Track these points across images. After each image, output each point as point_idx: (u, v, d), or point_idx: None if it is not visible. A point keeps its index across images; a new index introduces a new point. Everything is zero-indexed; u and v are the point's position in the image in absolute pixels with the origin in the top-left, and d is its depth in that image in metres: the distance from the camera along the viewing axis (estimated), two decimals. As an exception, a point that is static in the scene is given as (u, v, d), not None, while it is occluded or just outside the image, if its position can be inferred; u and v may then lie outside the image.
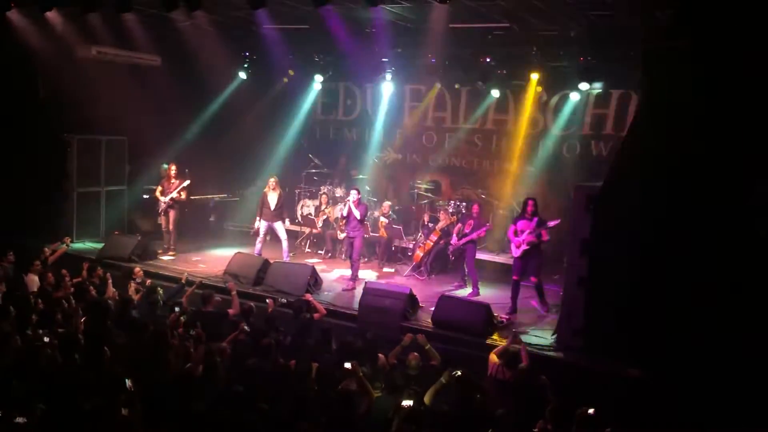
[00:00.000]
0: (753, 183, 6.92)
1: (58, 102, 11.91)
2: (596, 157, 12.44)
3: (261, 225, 11.67)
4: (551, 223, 9.49)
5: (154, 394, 5.47)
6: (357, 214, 10.56)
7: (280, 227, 11.73)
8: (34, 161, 11.88)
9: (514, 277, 9.65)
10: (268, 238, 11.99)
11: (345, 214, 10.92)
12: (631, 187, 7.43)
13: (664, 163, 7.13)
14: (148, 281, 9.38)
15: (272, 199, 11.60)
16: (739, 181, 6.91)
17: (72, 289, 8.48)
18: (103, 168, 13.07)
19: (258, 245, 11.67)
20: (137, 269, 9.81)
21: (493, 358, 7.02)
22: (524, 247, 9.43)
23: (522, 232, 9.47)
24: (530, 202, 9.57)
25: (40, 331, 6.54)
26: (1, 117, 11.32)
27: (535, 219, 9.43)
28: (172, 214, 12.20)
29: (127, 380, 5.13)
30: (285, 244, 11.75)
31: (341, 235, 11.85)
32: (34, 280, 9.08)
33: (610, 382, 7.32)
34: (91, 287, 8.67)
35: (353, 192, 10.84)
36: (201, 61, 12.92)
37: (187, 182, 12.24)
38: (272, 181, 11.71)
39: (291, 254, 11.91)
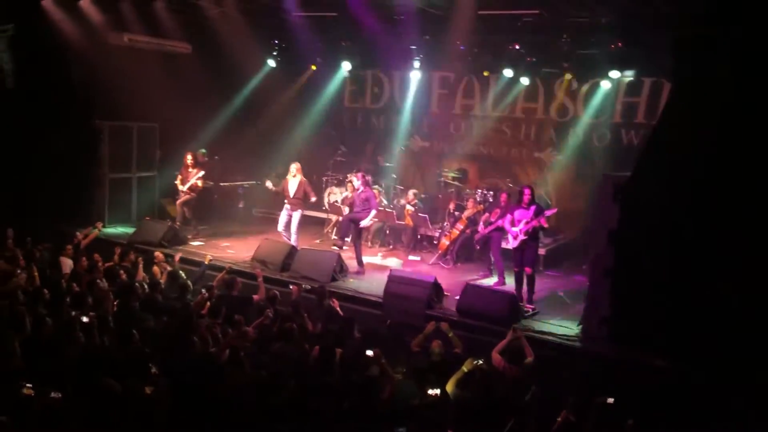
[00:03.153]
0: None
1: (91, 89, 12.11)
2: (626, 146, 12.27)
3: (283, 213, 11.47)
4: (548, 212, 9.38)
5: (179, 376, 5.57)
6: (367, 222, 10.67)
7: (296, 218, 11.34)
8: (67, 148, 12.10)
9: (515, 269, 9.54)
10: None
11: (340, 201, 10.92)
12: (660, 176, 7.32)
13: (695, 153, 7.01)
14: (167, 267, 9.52)
15: (292, 185, 11.32)
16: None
17: (103, 273, 8.66)
18: (134, 154, 13.29)
19: (284, 233, 11.37)
20: (157, 253, 9.96)
21: (496, 356, 6.94)
22: (522, 237, 9.27)
23: (519, 221, 9.35)
24: (526, 191, 9.36)
25: (73, 313, 6.70)
26: (36, 104, 11.54)
27: (533, 208, 9.25)
28: (191, 202, 12.37)
29: (151, 366, 5.24)
30: (294, 237, 11.36)
31: (366, 221, 10.97)
32: (67, 264, 9.29)
33: (636, 373, 7.26)
34: (122, 271, 8.86)
35: (354, 178, 10.92)
36: (230, 49, 13.01)
37: (202, 173, 12.39)
38: (294, 167, 11.40)
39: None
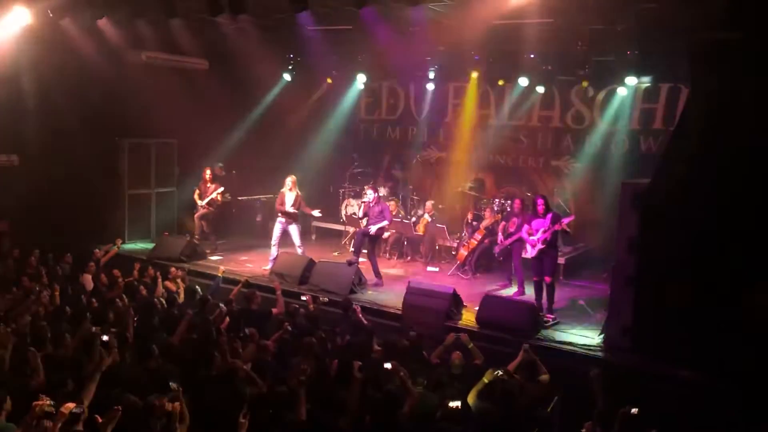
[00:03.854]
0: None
1: (110, 107, 12.24)
2: (644, 153, 12.19)
3: (276, 226, 11.41)
4: (566, 220, 9.36)
5: (200, 392, 5.58)
6: (372, 230, 10.67)
7: (294, 231, 11.39)
8: (87, 166, 12.25)
9: (535, 278, 9.49)
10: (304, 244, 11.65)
11: (361, 215, 10.96)
12: (679, 183, 7.24)
13: (713, 158, 6.93)
14: (180, 282, 9.58)
15: (289, 199, 11.27)
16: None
17: (123, 289, 8.73)
18: (153, 170, 13.43)
19: (273, 249, 11.35)
20: (173, 269, 10.02)
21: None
22: (540, 246, 9.24)
23: (537, 231, 9.30)
24: (540, 201, 9.40)
25: (94, 329, 6.75)
26: (56, 122, 11.70)
27: (549, 216, 9.25)
28: (209, 216, 12.44)
29: (171, 382, 5.25)
30: (300, 251, 11.39)
31: (373, 228, 10.87)
32: (89, 281, 9.39)
33: (659, 383, 7.16)
34: (142, 287, 8.93)
35: (370, 191, 10.90)
36: (247, 64, 13.10)
37: (221, 189, 12.48)
38: (289, 180, 11.37)
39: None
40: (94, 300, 8.15)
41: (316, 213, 11.64)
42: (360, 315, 8.26)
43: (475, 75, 13.26)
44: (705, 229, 7.09)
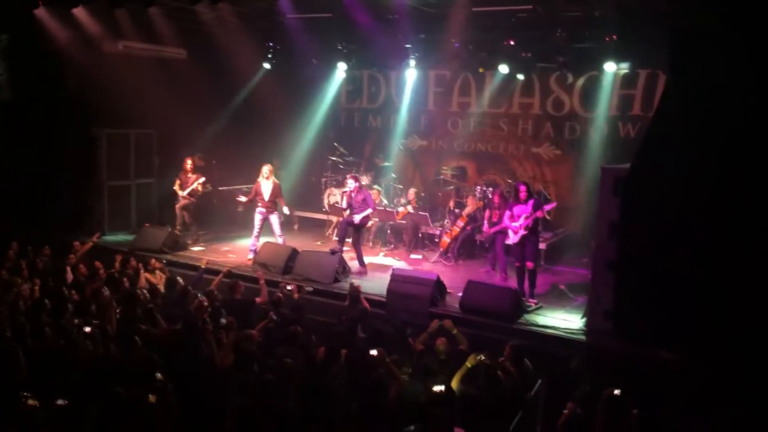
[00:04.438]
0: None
1: (87, 97, 12.09)
2: (624, 139, 12.30)
3: (256, 216, 11.34)
4: (548, 207, 9.45)
5: (185, 382, 5.58)
6: (357, 219, 10.67)
7: (274, 221, 11.30)
8: (64, 156, 12.11)
9: (517, 264, 9.58)
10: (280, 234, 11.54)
11: (344, 206, 10.97)
12: (659, 168, 7.32)
13: (692, 143, 7.01)
14: (160, 274, 9.53)
15: (266, 188, 11.24)
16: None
17: (105, 281, 8.66)
18: (132, 161, 13.28)
19: (253, 239, 11.30)
20: (152, 260, 9.96)
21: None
22: (522, 232, 9.32)
23: (518, 217, 9.39)
24: (522, 187, 9.46)
25: (76, 321, 6.70)
26: (32, 113, 11.54)
27: (531, 202, 9.33)
28: (190, 207, 12.38)
29: (157, 373, 5.24)
30: (280, 240, 11.38)
31: (357, 218, 10.79)
32: (69, 273, 9.29)
33: (640, 366, 7.27)
34: (125, 279, 8.86)
35: (350, 181, 10.90)
36: (226, 53, 12.98)
37: (202, 179, 12.39)
38: (266, 169, 11.29)
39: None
40: (74, 292, 8.07)
41: (285, 210, 11.56)
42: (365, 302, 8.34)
43: (456, 63, 13.26)
44: (685, 212, 7.18)
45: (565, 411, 5.63)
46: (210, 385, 5.62)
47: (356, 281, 10.02)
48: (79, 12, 11.22)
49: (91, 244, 10.41)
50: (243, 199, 11.47)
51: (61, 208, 12.01)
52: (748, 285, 6.83)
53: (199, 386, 5.61)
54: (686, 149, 7.11)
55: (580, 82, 12.74)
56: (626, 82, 12.26)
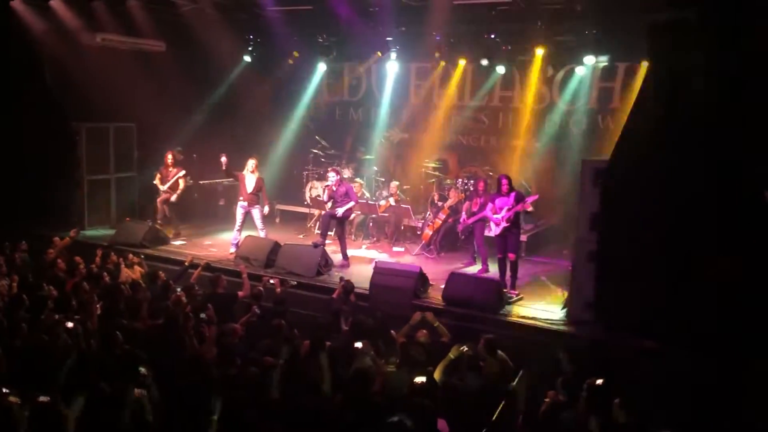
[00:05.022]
0: (761, 155, 6.89)
1: (65, 91, 11.94)
2: (603, 131, 12.40)
3: (238, 209, 11.31)
4: (530, 199, 9.51)
5: (168, 376, 5.56)
6: (340, 212, 10.68)
7: (256, 214, 11.29)
8: (43, 150, 11.96)
9: (499, 255, 9.65)
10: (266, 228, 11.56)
11: (325, 199, 10.98)
12: (638, 160, 7.42)
13: (669, 135, 7.11)
14: (138, 268, 9.47)
15: (250, 181, 11.23)
16: (745, 152, 6.89)
17: (85, 276, 8.59)
18: (112, 155, 13.13)
19: (235, 233, 11.28)
20: (130, 255, 9.88)
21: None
22: (504, 224, 9.38)
23: (500, 209, 9.45)
24: (504, 180, 9.52)
25: (56, 317, 6.64)
26: (10, 107, 11.38)
27: (513, 194, 9.40)
28: (171, 201, 12.30)
29: (141, 368, 5.22)
30: (262, 234, 11.36)
31: (340, 211, 10.80)
32: (48, 268, 9.18)
33: (621, 355, 7.38)
34: (105, 273, 8.79)
35: (332, 174, 10.89)
36: (206, 46, 12.91)
37: (183, 172, 12.31)
38: (251, 163, 11.30)
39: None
40: (51, 288, 7.97)
41: (265, 209, 11.53)
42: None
43: (436, 55, 13.30)
44: (663, 203, 7.29)
45: (547, 399, 5.71)
46: (193, 380, 5.60)
47: (339, 274, 10.06)
48: (57, 4, 11.09)
49: (68, 239, 10.30)
50: (224, 159, 11.23)
51: (39, 203, 11.87)
52: (726, 273, 6.94)
53: (182, 380, 5.59)
54: (664, 140, 7.21)
55: (560, 75, 12.81)
56: (605, 75, 12.35)
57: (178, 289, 8.00)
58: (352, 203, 10.85)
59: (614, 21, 10.48)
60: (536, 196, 9.80)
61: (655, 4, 8.23)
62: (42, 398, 4.68)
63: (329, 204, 10.99)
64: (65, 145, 12.47)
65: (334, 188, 10.82)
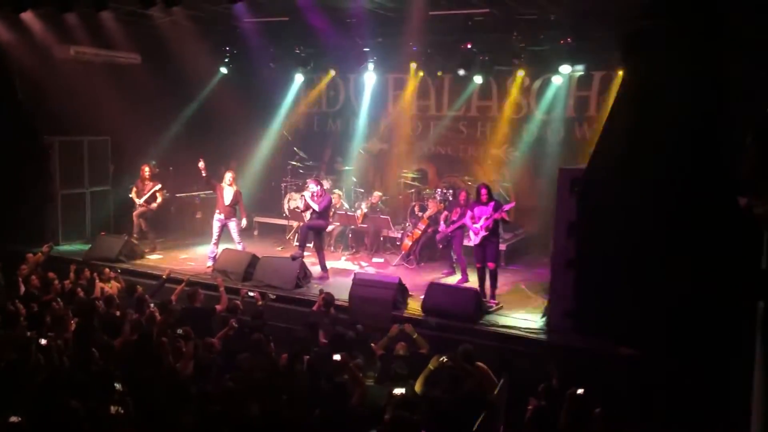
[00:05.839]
0: (736, 159, 6.95)
1: (37, 104, 11.78)
2: (580, 140, 12.50)
3: (215, 222, 11.20)
4: (507, 207, 9.55)
5: (144, 392, 5.46)
6: (315, 207, 10.59)
7: (233, 228, 11.21)
8: (15, 165, 11.78)
9: (478, 265, 9.64)
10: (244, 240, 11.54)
11: (302, 207, 10.90)
12: (613, 168, 7.46)
13: (646, 143, 7.16)
14: (114, 283, 9.34)
15: (228, 194, 11.13)
16: (720, 160, 6.95)
17: (59, 292, 8.44)
18: (86, 169, 12.96)
19: (212, 246, 11.18)
20: (106, 270, 9.73)
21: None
22: (483, 233, 9.39)
23: (479, 218, 9.47)
24: (483, 190, 9.54)
25: (28, 334, 6.50)
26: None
27: (492, 203, 9.41)
28: (148, 215, 12.17)
29: (116, 383, 5.12)
30: (239, 247, 11.26)
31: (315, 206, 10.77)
32: (21, 284, 9.02)
33: (601, 363, 7.38)
34: (79, 289, 8.65)
35: (312, 184, 10.83)
36: (181, 58, 12.80)
37: (159, 186, 12.20)
38: (229, 176, 11.23)
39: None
40: (22, 305, 7.81)
41: (243, 223, 11.44)
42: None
43: (414, 66, 13.35)
44: (638, 211, 7.32)
45: (529, 407, 5.68)
46: (170, 395, 5.50)
47: (318, 286, 9.98)
48: (28, 16, 10.93)
49: (42, 254, 10.13)
50: (202, 164, 11.09)
51: (12, 219, 11.66)
52: (702, 281, 6.98)
53: (159, 396, 5.49)
54: (639, 148, 7.25)
55: (537, 84, 12.91)
56: (582, 84, 12.47)
57: (152, 305, 7.89)
58: (319, 206, 10.66)
59: (589, 30, 10.58)
60: (513, 204, 9.82)
61: (629, 14, 8.33)
62: (13, 419, 4.57)
63: (307, 215, 10.93)
64: (38, 159, 12.28)
65: (315, 198, 10.69)
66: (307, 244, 11.08)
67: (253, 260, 10.56)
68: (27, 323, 7.06)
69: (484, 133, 13.71)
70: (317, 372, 6.21)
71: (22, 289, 8.89)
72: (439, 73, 13.37)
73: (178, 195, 13.74)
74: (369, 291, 9.14)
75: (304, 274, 10.28)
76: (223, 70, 14.11)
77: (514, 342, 8.18)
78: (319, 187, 10.80)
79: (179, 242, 12.98)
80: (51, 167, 12.40)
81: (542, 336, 8.25)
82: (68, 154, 12.64)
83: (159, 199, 12.19)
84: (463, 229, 10.46)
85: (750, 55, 6.49)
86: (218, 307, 8.34)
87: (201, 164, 11.10)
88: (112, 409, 4.95)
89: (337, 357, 6.11)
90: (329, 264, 11.09)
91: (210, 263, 11.02)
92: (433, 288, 9.15)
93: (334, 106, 15.32)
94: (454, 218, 10.60)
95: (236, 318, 7.69)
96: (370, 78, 13.85)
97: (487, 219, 9.35)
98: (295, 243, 12.04)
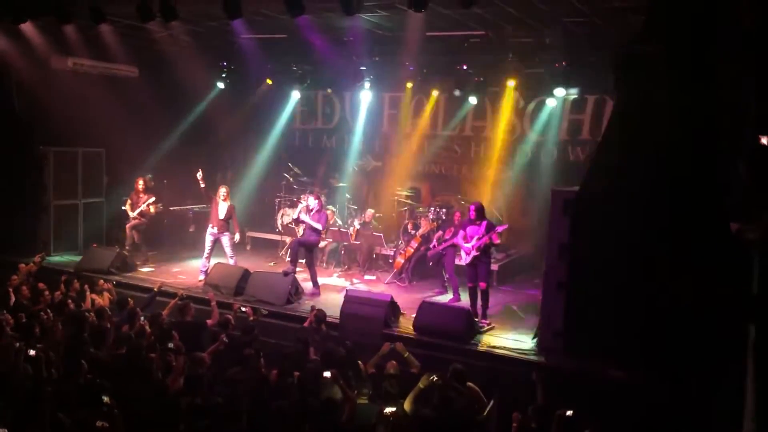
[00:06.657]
0: (728, 184, 7.02)
1: (33, 114, 11.81)
2: (573, 162, 12.60)
3: (207, 236, 11.18)
4: (500, 228, 9.58)
5: (133, 406, 5.43)
6: (310, 221, 10.62)
7: (226, 242, 11.18)
8: (10, 175, 11.76)
9: (470, 284, 9.66)
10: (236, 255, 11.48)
11: (295, 218, 10.89)
12: (607, 190, 7.52)
13: (636, 166, 7.24)
14: (107, 295, 9.30)
15: (222, 209, 11.13)
16: (713, 183, 7.02)
17: (49, 303, 8.39)
18: (80, 180, 12.93)
19: (203, 260, 11.16)
20: (100, 281, 9.69)
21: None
22: (474, 253, 9.41)
23: (471, 237, 9.49)
24: (471, 207, 9.57)
25: (17, 345, 6.46)
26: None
27: (484, 223, 9.43)
28: (141, 227, 12.17)
29: (104, 396, 5.10)
30: (231, 261, 11.25)
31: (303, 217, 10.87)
32: (11, 295, 8.96)
33: (591, 384, 7.38)
34: (69, 300, 8.60)
35: (311, 198, 10.86)
36: (178, 72, 12.88)
37: (153, 198, 12.21)
38: (223, 191, 11.23)
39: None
40: (10, 316, 7.76)
41: (236, 237, 11.45)
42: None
43: (409, 85, 13.46)
44: (630, 233, 7.38)
45: (515, 424, 5.68)
46: (159, 409, 5.47)
47: (310, 302, 9.96)
48: (27, 27, 10.98)
49: (33, 265, 10.08)
50: (200, 174, 11.13)
51: (4, 229, 11.63)
52: (694, 304, 7.02)
53: (147, 410, 5.46)
54: (631, 171, 7.33)
55: (531, 106, 13.02)
56: (575, 107, 12.59)
57: (142, 318, 7.86)
58: (314, 221, 10.70)
59: (584, 54, 10.71)
60: (505, 226, 9.84)
61: (622, 39, 8.46)
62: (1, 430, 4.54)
63: (300, 230, 10.94)
64: (32, 170, 12.27)
65: (311, 212, 10.70)
66: (300, 260, 11.07)
67: (245, 275, 10.54)
68: (16, 334, 7.01)
69: (477, 153, 13.80)
70: (307, 388, 6.18)
71: (13, 299, 8.85)
72: (435, 93, 13.47)
73: (171, 208, 13.72)
74: (361, 308, 9.12)
75: (296, 290, 10.27)
76: (220, 84, 14.17)
77: (505, 362, 8.16)
78: (317, 201, 10.82)
79: (172, 255, 12.94)
80: (45, 178, 12.39)
81: (533, 357, 8.24)
82: (63, 165, 12.61)
83: (152, 210, 12.17)
84: (455, 248, 10.48)
85: (743, 80, 6.58)
86: (209, 321, 8.31)
87: (199, 175, 11.10)
88: (99, 423, 4.91)
89: (327, 374, 6.08)
90: (321, 280, 11.08)
91: (202, 277, 11.00)
92: (426, 307, 9.14)
93: (329, 123, 15.39)
94: (447, 236, 10.62)
95: (227, 333, 7.66)
96: (365, 96, 13.95)
97: (479, 239, 9.38)
98: (288, 258, 12.03)
